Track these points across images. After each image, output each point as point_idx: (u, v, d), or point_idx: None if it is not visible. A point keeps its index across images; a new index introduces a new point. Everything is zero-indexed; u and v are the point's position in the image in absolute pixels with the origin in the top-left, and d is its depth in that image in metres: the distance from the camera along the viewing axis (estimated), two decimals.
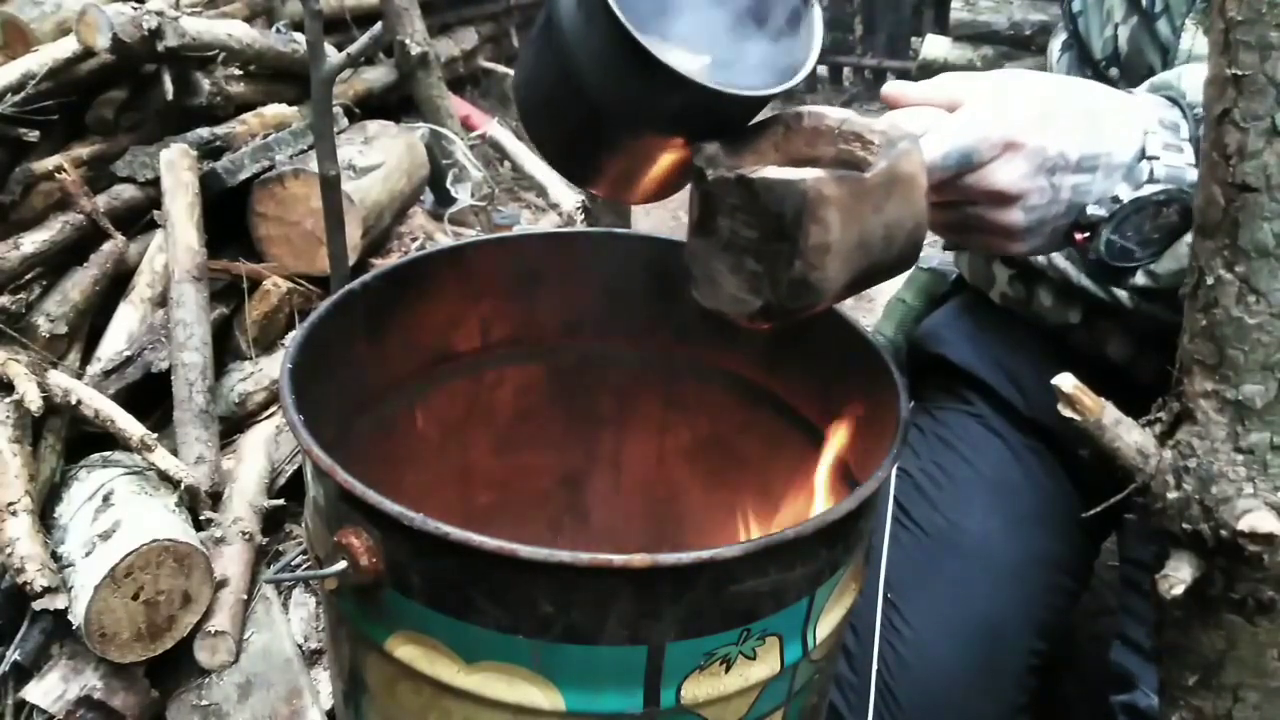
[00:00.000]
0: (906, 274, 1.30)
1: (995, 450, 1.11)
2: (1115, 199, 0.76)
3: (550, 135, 0.79)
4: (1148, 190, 0.75)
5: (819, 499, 0.89)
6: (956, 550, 1.06)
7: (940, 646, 1.02)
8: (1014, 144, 0.71)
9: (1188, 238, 0.77)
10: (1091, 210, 0.76)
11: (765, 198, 0.67)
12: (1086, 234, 0.77)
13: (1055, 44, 1.11)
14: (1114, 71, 1.00)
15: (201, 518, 1.26)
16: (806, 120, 0.73)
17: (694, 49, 0.74)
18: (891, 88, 0.77)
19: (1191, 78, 0.79)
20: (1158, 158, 0.75)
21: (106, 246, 1.53)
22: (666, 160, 0.75)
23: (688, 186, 0.75)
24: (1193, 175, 0.76)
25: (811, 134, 0.73)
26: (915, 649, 1.02)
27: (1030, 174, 0.72)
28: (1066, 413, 0.67)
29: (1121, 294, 0.97)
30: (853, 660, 1.03)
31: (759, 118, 0.74)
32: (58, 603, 1.11)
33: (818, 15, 0.74)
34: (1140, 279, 0.80)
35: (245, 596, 1.22)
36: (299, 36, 1.95)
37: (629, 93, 0.69)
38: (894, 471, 1.12)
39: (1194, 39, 0.93)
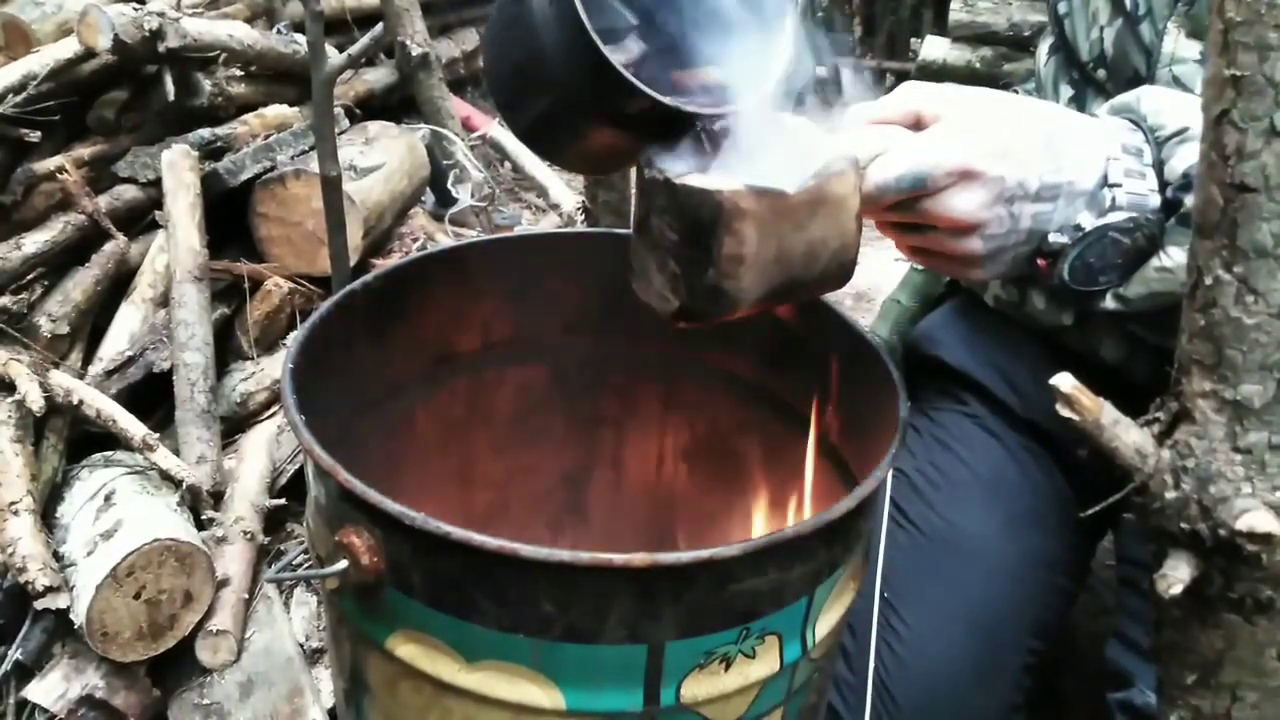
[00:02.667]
0: (902, 274, 1.31)
1: (992, 450, 1.11)
2: (1078, 227, 0.76)
3: (514, 107, 0.80)
4: (1111, 218, 0.76)
5: (807, 481, 0.90)
6: (953, 550, 1.07)
7: (937, 645, 1.02)
8: (971, 173, 0.72)
9: (1155, 261, 0.78)
10: (1054, 238, 0.76)
11: (685, 203, 0.68)
12: (1049, 260, 0.77)
13: (1043, 47, 1.11)
14: (1101, 73, 1.00)
15: (203, 517, 1.26)
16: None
17: (663, 54, 0.75)
18: (855, 110, 0.77)
19: (1151, 100, 0.79)
20: (1120, 185, 0.76)
21: (108, 247, 1.53)
22: (625, 147, 0.76)
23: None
24: (1156, 201, 0.77)
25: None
26: (912, 648, 1.02)
27: (988, 203, 0.73)
28: (1065, 412, 0.67)
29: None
30: (850, 659, 1.03)
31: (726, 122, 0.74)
32: (59, 602, 1.11)
33: (794, 29, 0.74)
34: (1110, 303, 0.81)
35: (247, 595, 1.22)
36: (300, 37, 1.95)
37: (586, 90, 0.70)
38: (890, 471, 1.13)
39: (1176, 42, 0.92)
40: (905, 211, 0.74)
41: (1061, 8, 1.06)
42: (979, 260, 0.76)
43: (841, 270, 0.74)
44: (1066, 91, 1.04)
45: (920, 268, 1.28)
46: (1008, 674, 1.04)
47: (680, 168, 0.69)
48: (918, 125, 0.75)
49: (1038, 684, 1.08)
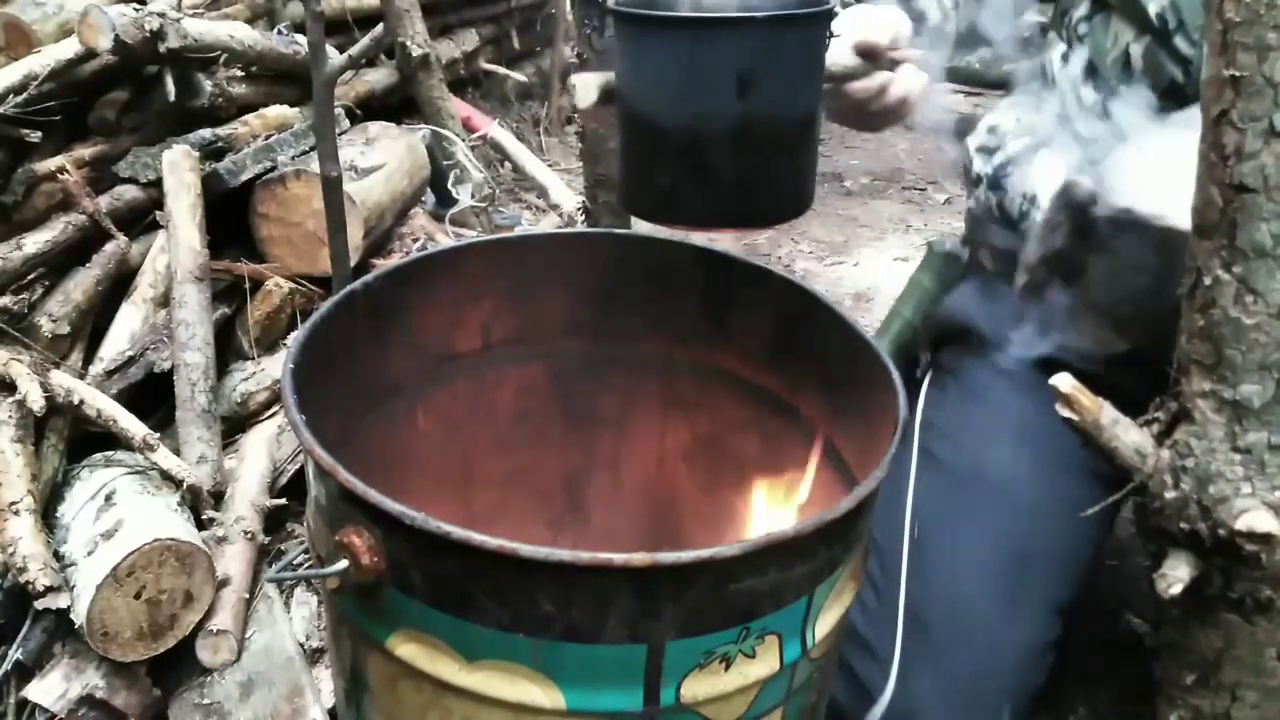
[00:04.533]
0: (902, 275, 1.33)
1: (1020, 399, 1.13)
2: None
3: (707, 192, 0.80)
4: None
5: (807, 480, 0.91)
6: (982, 488, 1.09)
7: (967, 574, 1.05)
8: None
9: None
10: None
11: (1174, 247, 0.65)
12: None
13: (1055, 55, 1.12)
14: (1122, 88, 1.03)
15: (204, 517, 1.26)
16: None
17: None
18: None
19: None
20: None
21: (109, 247, 1.53)
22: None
23: None
24: None
25: None
26: (942, 575, 1.05)
27: None
28: (1064, 413, 0.67)
29: None
30: (879, 592, 1.04)
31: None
32: (60, 602, 1.11)
33: None
34: None
35: (247, 595, 1.22)
36: (300, 38, 1.95)
37: (691, 78, 0.73)
38: (918, 420, 1.17)
39: None
40: None
41: (1081, 29, 1.08)
42: None
43: None
44: (1090, 95, 1.06)
45: (940, 250, 1.30)
46: (1036, 607, 1.06)
47: (1140, 204, 0.66)
48: None
49: (1064, 637, 1.09)
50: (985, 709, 1.02)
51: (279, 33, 2.01)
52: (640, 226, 1.21)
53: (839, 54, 0.96)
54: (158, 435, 1.26)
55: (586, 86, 0.81)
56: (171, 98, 1.63)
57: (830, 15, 0.80)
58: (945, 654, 1.03)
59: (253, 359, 1.57)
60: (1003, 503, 1.08)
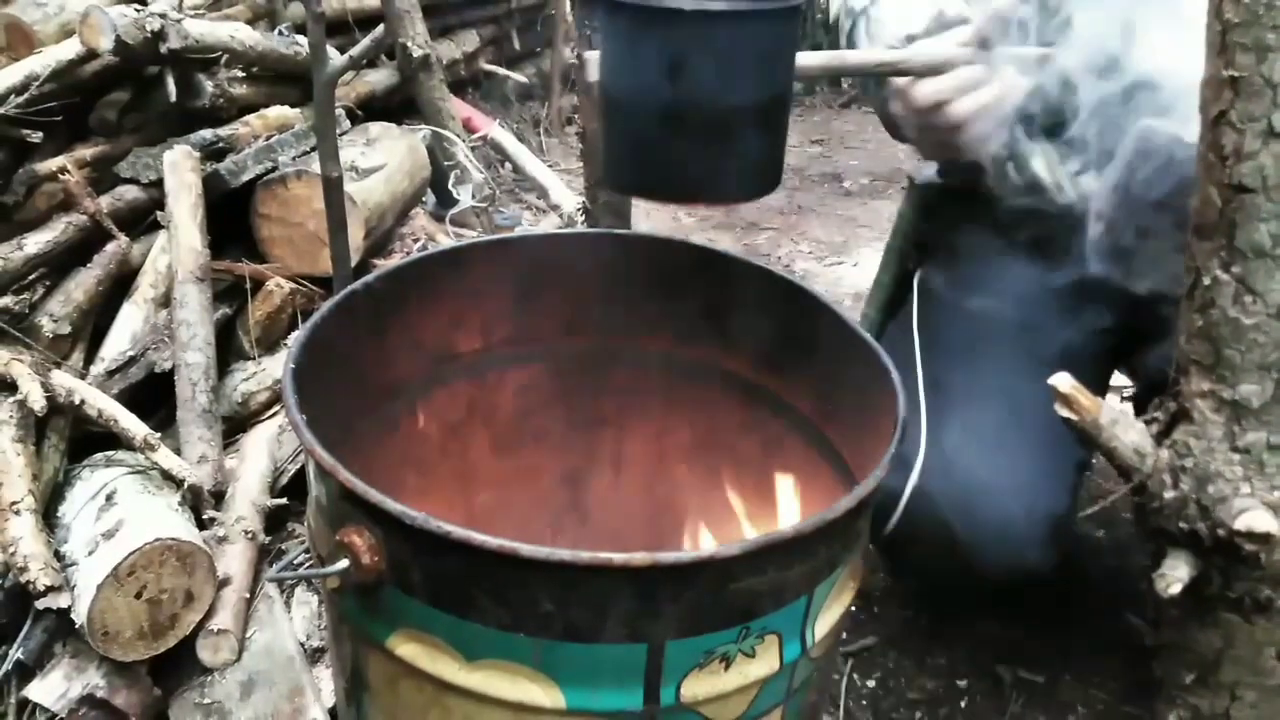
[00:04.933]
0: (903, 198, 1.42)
1: (1009, 240, 1.17)
2: None
3: (693, 165, 0.85)
4: None
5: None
6: (983, 285, 1.15)
7: (983, 342, 1.11)
8: None
9: None
10: None
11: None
12: None
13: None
14: None
15: (204, 517, 1.26)
16: None
17: None
18: None
19: None
20: None
21: (110, 247, 1.53)
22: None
23: None
24: None
25: None
26: (957, 347, 1.12)
27: None
28: (1064, 413, 0.67)
29: None
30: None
31: None
32: (61, 601, 1.11)
33: None
34: None
35: (248, 595, 1.22)
36: (301, 39, 1.96)
37: (661, 65, 0.79)
38: (915, 284, 1.26)
39: None
40: None
41: None
42: None
43: None
44: (1033, 51, 1.09)
45: (920, 182, 1.37)
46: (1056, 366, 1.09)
47: None
48: None
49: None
50: (1013, 449, 1.05)
51: (280, 33, 2.01)
52: (640, 226, 1.21)
53: (930, 46, 0.93)
54: (159, 435, 1.27)
55: (593, 63, 0.87)
56: (172, 98, 1.63)
57: (771, 15, 0.82)
58: (968, 404, 1.09)
59: (253, 359, 1.58)
60: (1003, 292, 1.13)
